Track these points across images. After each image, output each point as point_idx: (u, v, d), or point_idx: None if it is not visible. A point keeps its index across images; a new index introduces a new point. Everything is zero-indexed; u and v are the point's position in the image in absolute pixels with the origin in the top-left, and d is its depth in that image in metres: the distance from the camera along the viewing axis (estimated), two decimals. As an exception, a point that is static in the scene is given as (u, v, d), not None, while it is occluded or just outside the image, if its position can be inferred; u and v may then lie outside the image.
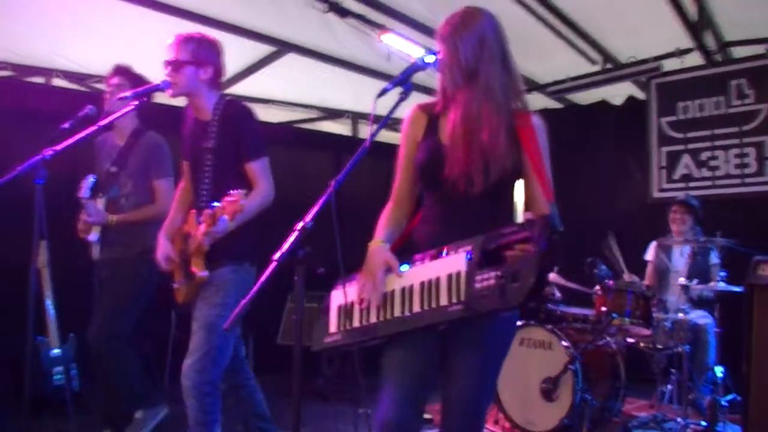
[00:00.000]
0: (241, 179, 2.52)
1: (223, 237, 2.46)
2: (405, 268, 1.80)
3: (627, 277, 4.17)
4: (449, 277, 1.66)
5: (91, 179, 3.07)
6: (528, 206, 1.83)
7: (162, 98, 2.85)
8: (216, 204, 2.29)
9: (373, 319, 1.80)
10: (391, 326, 1.76)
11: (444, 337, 1.82)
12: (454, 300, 1.63)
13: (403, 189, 1.99)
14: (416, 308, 1.71)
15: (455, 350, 1.82)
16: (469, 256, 1.65)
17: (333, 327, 1.91)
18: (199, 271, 2.51)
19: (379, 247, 1.85)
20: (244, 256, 2.61)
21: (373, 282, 1.79)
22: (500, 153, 1.77)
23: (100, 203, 3.16)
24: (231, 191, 2.25)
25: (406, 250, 1.90)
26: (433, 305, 1.67)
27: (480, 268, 1.61)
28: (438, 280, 1.69)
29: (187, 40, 2.51)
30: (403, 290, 1.76)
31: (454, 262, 1.67)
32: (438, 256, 1.74)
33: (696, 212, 4.44)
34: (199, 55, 2.51)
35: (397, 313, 1.75)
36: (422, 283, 1.72)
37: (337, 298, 1.92)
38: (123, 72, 3.19)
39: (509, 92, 1.85)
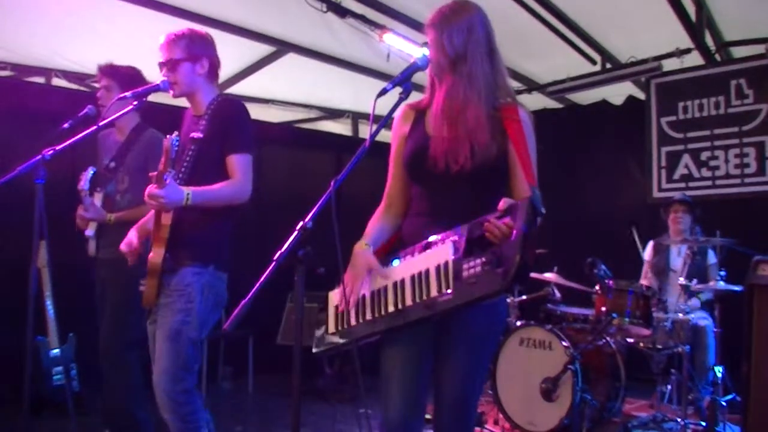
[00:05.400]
0: (220, 173, 2.42)
1: (188, 233, 2.37)
2: (396, 263, 1.82)
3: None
4: (438, 268, 1.68)
5: (90, 171, 3.03)
6: (512, 194, 1.82)
7: (161, 98, 2.84)
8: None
9: (368, 317, 1.81)
10: (385, 322, 1.77)
11: (436, 334, 1.83)
12: (444, 290, 1.65)
13: (394, 188, 1.99)
14: (408, 302, 1.73)
15: (445, 347, 1.83)
16: (455, 246, 1.67)
17: (332, 327, 1.92)
18: (153, 258, 2.36)
19: (362, 250, 1.86)
20: (210, 259, 2.43)
21: (354, 285, 1.82)
22: (484, 137, 1.78)
23: (98, 199, 3.12)
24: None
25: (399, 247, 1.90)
26: (425, 297, 1.69)
27: (466, 257, 1.63)
28: (427, 271, 1.71)
29: (178, 38, 2.49)
30: (395, 285, 1.77)
31: (442, 252, 1.70)
32: (426, 248, 1.76)
33: (694, 211, 4.45)
34: (192, 51, 2.49)
35: (390, 308, 1.76)
36: (413, 276, 1.74)
37: (335, 298, 1.92)
38: (108, 73, 3.15)
39: (492, 84, 1.85)
